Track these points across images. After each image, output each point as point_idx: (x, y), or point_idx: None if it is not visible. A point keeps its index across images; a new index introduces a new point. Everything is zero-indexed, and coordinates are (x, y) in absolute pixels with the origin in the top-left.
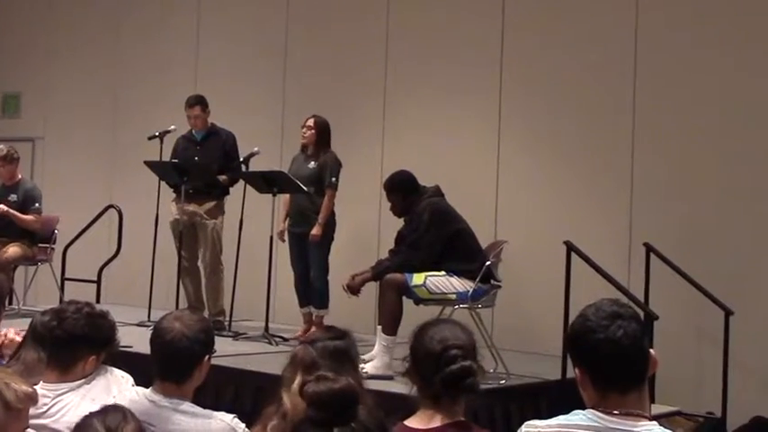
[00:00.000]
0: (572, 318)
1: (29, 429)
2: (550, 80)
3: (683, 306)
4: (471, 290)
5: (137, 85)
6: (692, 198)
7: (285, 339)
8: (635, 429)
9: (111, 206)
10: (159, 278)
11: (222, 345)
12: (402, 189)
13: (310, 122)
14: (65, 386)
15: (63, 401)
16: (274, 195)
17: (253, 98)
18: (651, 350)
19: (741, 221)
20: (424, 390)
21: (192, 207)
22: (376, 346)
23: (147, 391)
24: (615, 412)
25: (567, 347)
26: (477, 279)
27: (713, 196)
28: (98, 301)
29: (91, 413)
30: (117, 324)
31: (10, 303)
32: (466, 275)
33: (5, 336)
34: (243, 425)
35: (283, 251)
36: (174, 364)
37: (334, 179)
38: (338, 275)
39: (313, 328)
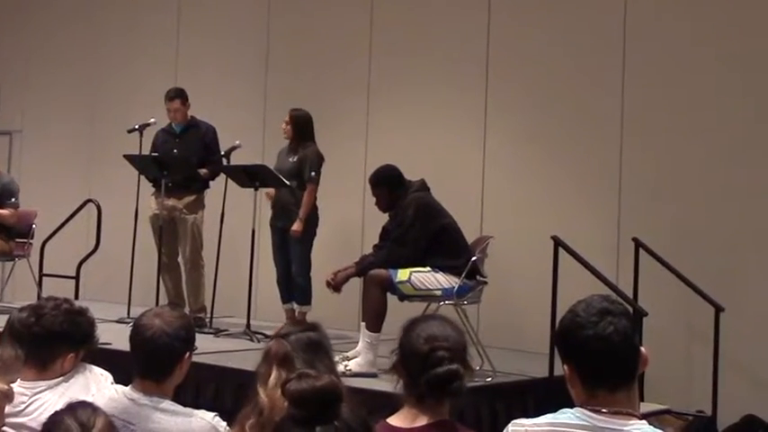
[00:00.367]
0: (559, 314)
1: (5, 428)
2: (537, 73)
3: (672, 302)
4: (457, 286)
5: (116, 78)
6: (681, 193)
7: (267, 336)
8: (624, 428)
9: (89, 200)
10: (139, 274)
11: (203, 342)
12: (387, 183)
13: (287, 118)
14: (43, 384)
15: (41, 400)
16: (256, 189)
17: (234, 92)
18: (642, 347)
19: (732, 216)
20: (409, 387)
21: (171, 201)
22: (359, 344)
23: (127, 389)
24: (604, 411)
25: (556, 344)
26: (463, 275)
27: (704, 191)
28: (77, 298)
29: (59, 411)
30: (96, 321)
31: None
32: (451, 271)
33: None
34: (224, 423)
35: (265, 246)
36: (154, 361)
37: (314, 173)
38: (321, 271)
39: None
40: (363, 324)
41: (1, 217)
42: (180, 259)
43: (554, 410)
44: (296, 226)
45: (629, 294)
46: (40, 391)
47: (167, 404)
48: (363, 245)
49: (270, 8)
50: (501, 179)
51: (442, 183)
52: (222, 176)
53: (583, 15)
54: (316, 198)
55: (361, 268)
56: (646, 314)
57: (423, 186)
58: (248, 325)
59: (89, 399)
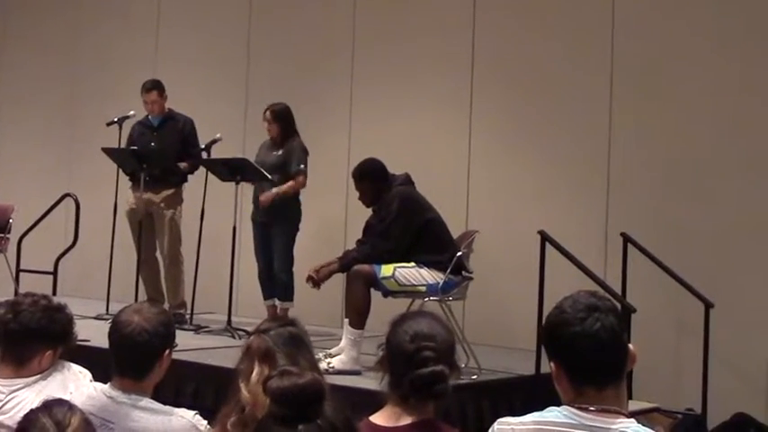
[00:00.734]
0: (546, 311)
1: None
2: (524, 66)
3: (661, 298)
4: (442, 282)
5: (95, 70)
6: (670, 187)
7: (248, 333)
8: (612, 427)
9: (67, 195)
10: (118, 269)
11: (183, 338)
12: (371, 177)
13: (268, 116)
14: (20, 382)
15: (18, 398)
16: (237, 183)
17: (215, 84)
18: (630, 344)
19: (721, 211)
20: (393, 385)
21: (147, 196)
22: (343, 340)
23: (106, 386)
24: (591, 409)
25: (543, 341)
26: (448, 270)
27: (693, 185)
28: (54, 294)
29: (33, 409)
30: (74, 317)
31: None
32: (436, 267)
33: None
34: (204, 421)
35: (247, 241)
36: (133, 358)
37: (302, 165)
38: (303, 267)
39: None
40: (346, 321)
41: None
42: (158, 254)
43: (541, 409)
44: (265, 196)
45: (618, 290)
46: (17, 389)
47: (147, 402)
48: (346, 240)
49: (251, 0)
50: (487, 173)
51: (426, 176)
52: (202, 170)
53: (571, 5)
54: (299, 192)
55: (345, 264)
56: (634, 310)
57: (407, 180)
58: (229, 321)
59: (67, 397)
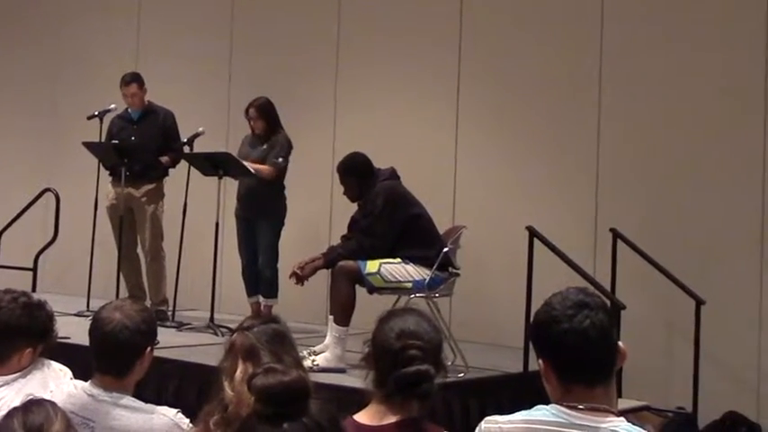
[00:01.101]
0: (534, 307)
1: None
2: (512, 58)
3: (651, 295)
4: (428, 278)
5: (75, 62)
6: (660, 182)
7: (231, 330)
8: (601, 425)
9: (47, 190)
10: (98, 265)
11: (165, 336)
12: (356, 172)
13: (253, 113)
14: None
15: None
16: (220, 178)
17: (197, 76)
18: (619, 342)
19: (712, 207)
20: (378, 383)
21: (128, 190)
22: (327, 338)
23: (86, 384)
24: (580, 407)
25: (531, 338)
26: (435, 266)
27: (683, 181)
28: (34, 290)
29: (13, 410)
30: (54, 314)
31: None
32: (422, 263)
33: None
34: (186, 420)
35: (230, 237)
36: (114, 356)
37: (280, 159)
38: (288, 263)
39: None
40: (331, 318)
41: None
42: (139, 250)
43: (529, 407)
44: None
45: (607, 287)
46: None
47: (128, 400)
48: (331, 235)
49: None
50: (474, 167)
51: (412, 171)
52: (184, 164)
53: (560, 1)
54: (283, 187)
55: (329, 260)
56: (624, 307)
57: (393, 175)
58: (212, 318)
59: (47, 395)
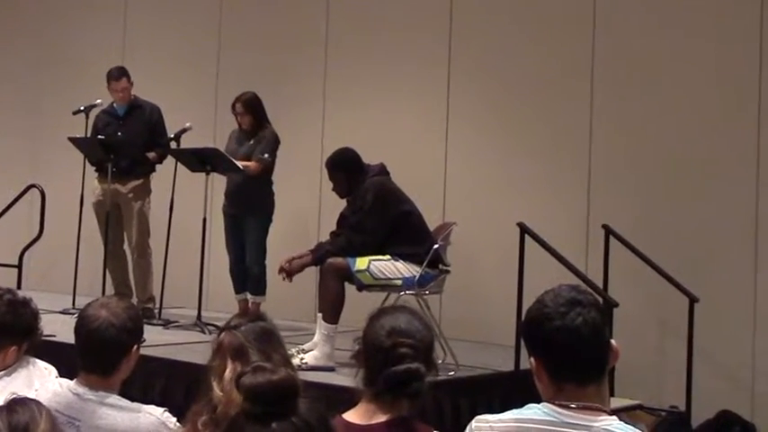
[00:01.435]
0: (525, 305)
1: None
2: (503, 53)
3: (644, 293)
4: (418, 275)
5: (61, 57)
6: (653, 178)
7: (219, 329)
8: (594, 424)
9: (32, 186)
10: (84, 262)
11: (152, 334)
12: (345, 168)
13: (239, 108)
14: None
15: None
16: (208, 174)
17: (185, 71)
18: (612, 340)
19: (706, 204)
20: (368, 381)
21: (115, 186)
22: (316, 335)
23: (72, 383)
24: (572, 406)
25: (523, 335)
26: (425, 263)
27: (676, 177)
28: (19, 287)
29: None
30: (40, 312)
31: None
32: (412, 260)
33: None
34: (173, 419)
35: (217, 233)
36: (100, 354)
37: (266, 155)
38: (276, 259)
39: None
40: (320, 315)
41: None
42: (126, 247)
43: (520, 406)
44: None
45: (599, 284)
46: None
47: (114, 399)
48: (320, 232)
49: None
50: (464, 162)
51: (402, 167)
52: (171, 160)
53: None
54: (271, 183)
55: (318, 257)
56: (616, 305)
57: (382, 170)
58: (199, 316)
59: (32, 394)
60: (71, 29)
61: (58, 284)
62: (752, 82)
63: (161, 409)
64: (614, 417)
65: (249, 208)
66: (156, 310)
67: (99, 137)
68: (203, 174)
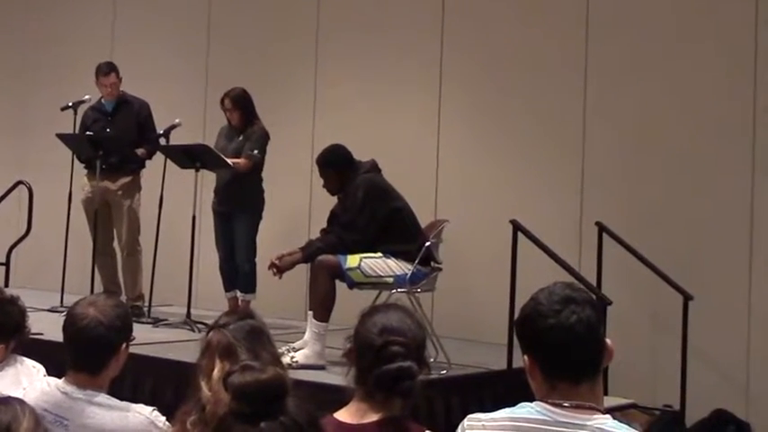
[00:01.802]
0: (518, 303)
1: None
2: (495, 48)
3: (638, 290)
4: (410, 273)
5: (48, 52)
6: (646, 175)
7: (208, 327)
8: (587, 423)
9: (20, 182)
10: (73, 260)
11: (141, 332)
12: (336, 164)
13: (228, 104)
14: None
15: None
16: (197, 171)
17: (174, 66)
18: (607, 339)
19: (700, 200)
20: (359, 380)
21: (104, 183)
22: (307, 334)
23: (60, 381)
24: (566, 405)
25: (516, 333)
26: (417, 261)
27: (670, 173)
28: (6, 285)
29: None
30: (27, 310)
31: None
32: (404, 257)
33: None
34: (163, 418)
35: (207, 231)
36: (88, 352)
37: (255, 151)
38: (267, 257)
39: None
40: (311, 313)
41: None
42: (115, 245)
43: (513, 404)
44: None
45: (593, 282)
46: None
47: (102, 398)
48: (310, 229)
49: None
50: (456, 159)
51: (394, 163)
52: (160, 156)
53: None
54: (261, 180)
55: (308, 254)
56: (610, 303)
57: (373, 167)
58: (188, 314)
59: (20, 392)
60: (59, 24)
61: (46, 282)
62: (747, 78)
63: (150, 408)
64: (608, 415)
65: (239, 205)
66: (146, 308)
67: (87, 133)
68: (193, 170)
